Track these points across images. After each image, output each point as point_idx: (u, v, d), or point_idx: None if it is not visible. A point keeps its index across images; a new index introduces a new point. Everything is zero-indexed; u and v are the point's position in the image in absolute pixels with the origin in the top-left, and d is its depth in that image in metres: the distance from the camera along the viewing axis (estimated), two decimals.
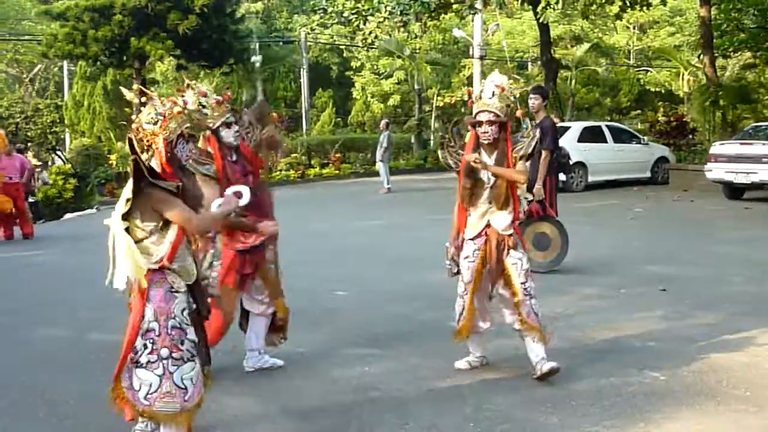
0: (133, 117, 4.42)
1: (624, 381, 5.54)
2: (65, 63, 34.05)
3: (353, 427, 4.83)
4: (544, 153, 9.09)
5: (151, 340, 4.04)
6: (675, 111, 35.28)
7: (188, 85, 4.73)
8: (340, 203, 20.05)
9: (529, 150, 5.87)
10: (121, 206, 4.09)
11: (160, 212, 4.09)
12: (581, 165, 20.64)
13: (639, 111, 39.56)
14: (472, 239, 5.81)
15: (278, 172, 29.26)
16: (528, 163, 6.38)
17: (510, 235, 5.68)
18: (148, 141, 4.23)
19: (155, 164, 4.18)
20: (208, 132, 5.52)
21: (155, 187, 4.04)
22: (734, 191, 17.87)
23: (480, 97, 5.64)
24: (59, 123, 33.85)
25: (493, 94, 5.54)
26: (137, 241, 4.05)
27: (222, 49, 29.05)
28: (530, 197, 6.83)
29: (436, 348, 6.48)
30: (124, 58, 28.39)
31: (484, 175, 5.61)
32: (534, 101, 9.59)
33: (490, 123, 5.53)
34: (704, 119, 25.44)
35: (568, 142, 20.71)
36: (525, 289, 5.63)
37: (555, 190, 9.86)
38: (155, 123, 4.22)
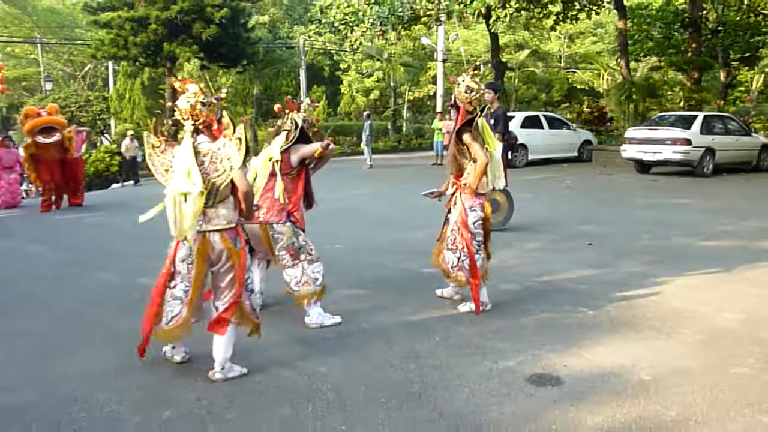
0: (168, 103, 4.39)
1: (561, 315, 5.60)
2: (110, 63, 33.67)
3: (348, 350, 4.86)
4: (497, 135, 9.09)
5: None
6: (597, 104, 35.52)
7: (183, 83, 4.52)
8: (332, 177, 20.00)
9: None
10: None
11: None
12: (523, 146, 20.73)
13: (568, 104, 39.67)
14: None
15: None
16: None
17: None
18: (204, 117, 4.25)
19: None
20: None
21: None
22: (644, 167, 18.05)
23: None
24: (106, 112, 33.56)
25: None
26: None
27: (237, 52, 28.99)
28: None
29: (411, 290, 6.50)
30: (158, 59, 28.28)
31: None
32: (488, 95, 9.61)
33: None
34: (620, 110, 25.69)
35: (512, 128, 20.72)
36: None
37: (506, 166, 9.90)
38: (208, 105, 4.24)
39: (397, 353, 4.77)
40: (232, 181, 4.26)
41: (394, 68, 37.90)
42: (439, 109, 28.38)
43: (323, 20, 26.07)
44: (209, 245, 4.30)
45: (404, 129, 36.21)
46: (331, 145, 5.63)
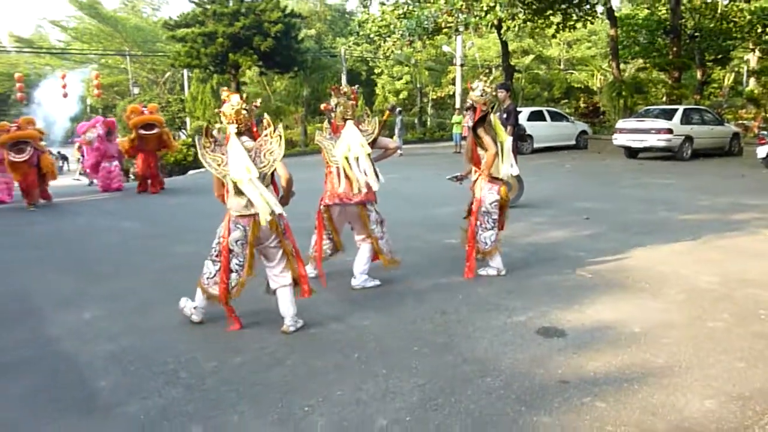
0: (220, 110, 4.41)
1: (563, 278, 5.54)
2: (185, 71, 33.87)
3: (386, 307, 4.86)
4: (509, 128, 9.01)
5: None
6: (591, 100, 35.00)
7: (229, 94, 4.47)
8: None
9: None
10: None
11: None
12: (529, 136, 20.58)
13: (567, 100, 39.02)
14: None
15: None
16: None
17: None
18: (246, 121, 4.36)
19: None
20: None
21: None
22: (632, 153, 17.80)
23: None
24: (182, 111, 33.85)
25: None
26: None
27: (289, 61, 28.95)
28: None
29: (438, 257, 6.49)
30: (224, 67, 28.34)
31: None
32: (501, 93, 9.56)
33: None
34: (611, 105, 25.22)
35: (521, 121, 20.57)
36: None
37: (516, 153, 9.82)
38: (249, 112, 4.38)
39: (427, 310, 4.76)
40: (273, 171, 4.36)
41: (420, 72, 37.72)
42: (457, 105, 28.17)
43: (360, 32, 25.93)
44: (258, 226, 4.31)
45: (428, 123, 36.01)
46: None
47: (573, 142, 22.20)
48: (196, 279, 4.62)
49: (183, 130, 34.56)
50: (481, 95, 5.72)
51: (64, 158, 29.77)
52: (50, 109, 31.07)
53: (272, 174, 4.40)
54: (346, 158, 5.32)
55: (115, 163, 15.48)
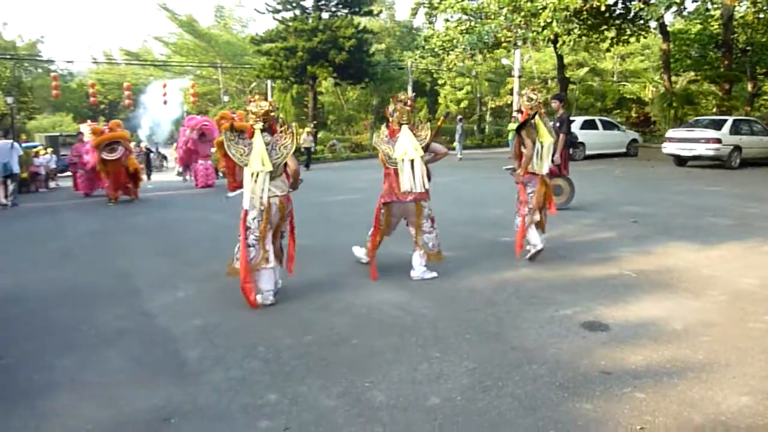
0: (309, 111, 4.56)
1: (610, 276, 5.40)
2: (269, 81, 34.56)
3: (442, 297, 4.86)
4: (561, 135, 8.92)
5: None
6: (643, 110, 33.76)
7: (255, 98, 5.03)
8: (431, 167, 19.94)
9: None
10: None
11: None
12: (581, 144, 20.08)
13: (619, 110, 37.75)
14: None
15: None
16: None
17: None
18: (270, 120, 4.94)
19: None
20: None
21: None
22: (681, 161, 17.05)
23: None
24: None
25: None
26: None
27: (361, 72, 29.19)
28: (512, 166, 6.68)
29: (491, 253, 6.44)
30: (303, 78, 28.82)
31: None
32: (554, 103, 9.62)
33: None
34: (662, 115, 24.17)
35: (573, 129, 20.05)
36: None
37: (568, 159, 9.65)
38: (273, 113, 4.98)
39: (479, 301, 4.74)
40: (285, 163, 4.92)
41: (480, 83, 37.35)
42: (514, 114, 27.76)
43: (426, 47, 25.91)
44: (271, 207, 4.78)
45: (487, 130, 35.57)
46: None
47: (623, 150, 21.50)
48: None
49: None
50: (528, 101, 6.06)
51: (164, 157, 30.92)
52: (153, 114, 32.41)
53: (284, 164, 4.91)
54: (404, 159, 5.43)
55: (209, 162, 16.07)
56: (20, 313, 4.89)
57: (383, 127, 5.89)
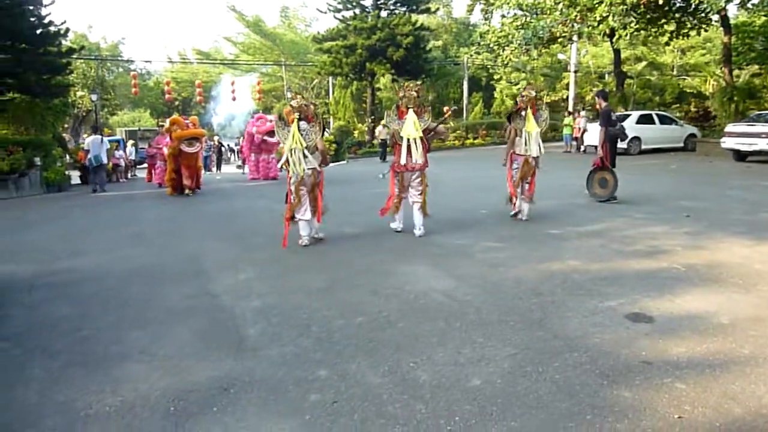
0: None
1: (658, 269, 5.24)
2: (330, 78, 34.94)
3: (488, 285, 4.85)
4: (601, 129, 9.23)
5: None
6: (703, 104, 32.21)
7: (296, 95, 6.65)
8: (483, 161, 19.69)
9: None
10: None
11: None
12: (637, 138, 19.41)
13: (678, 105, 36.22)
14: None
15: (450, 141, 29.27)
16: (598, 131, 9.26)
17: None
18: (306, 112, 6.46)
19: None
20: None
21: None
22: (740, 156, 16.22)
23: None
24: (327, 113, 35.03)
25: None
26: None
27: (418, 68, 29.16)
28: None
29: (539, 244, 6.35)
30: (362, 75, 29.07)
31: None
32: (596, 98, 10.00)
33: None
34: (722, 110, 23.01)
35: (629, 123, 19.48)
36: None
37: (610, 152, 9.43)
38: (308, 106, 6.59)
39: (525, 290, 4.71)
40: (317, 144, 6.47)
41: (536, 78, 36.62)
42: (570, 109, 27.06)
43: (482, 43, 25.55)
44: (305, 177, 6.42)
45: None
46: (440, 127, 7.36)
47: (681, 145, 20.67)
48: (329, 250, 4.88)
49: (327, 130, 35.79)
50: (521, 97, 7.58)
51: (232, 151, 31.77)
52: (223, 110, 33.34)
53: (317, 145, 6.46)
54: (409, 137, 6.59)
55: (273, 155, 16.49)
56: (99, 289, 5.20)
57: (394, 108, 7.03)
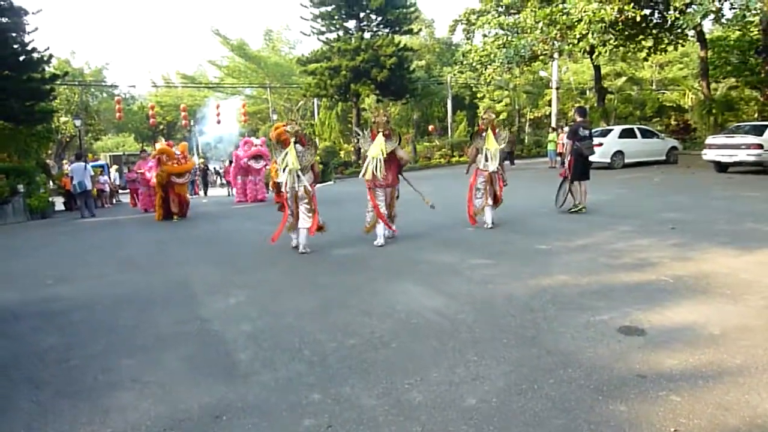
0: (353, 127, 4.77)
1: (647, 281, 5.28)
2: (315, 99, 35.09)
3: (479, 303, 4.84)
4: (567, 142, 9.99)
5: None
6: (682, 117, 32.73)
7: (290, 121, 7.64)
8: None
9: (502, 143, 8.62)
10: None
11: None
12: (620, 152, 19.66)
13: (658, 118, 36.72)
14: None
15: (436, 159, 29.46)
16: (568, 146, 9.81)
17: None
18: (300, 136, 7.50)
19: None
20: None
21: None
22: (722, 167, 16.43)
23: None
24: (313, 134, 35.10)
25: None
26: None
27: (402, 89, 29.31)
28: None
29: (528, 260, 6.36)
30: (347, 96, 29.13)
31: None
32: (577, 115, 10.28)
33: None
34: (702, 122, 23.44)
35: (611, 138, 19.77)
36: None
37: (581, 165, 9.67)
38: (302, 131, 7.74)
39: (516, 306, 4.71)
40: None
41: (518, 95, 37.09)
42: (553, 125, 27.38)
43: (464, 62, 25.78)
44: (299, 191, 7.34)
45: (526, 141, 35.14)
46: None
47: (663, 158, 20.90)
48: (320, 272, 4.84)
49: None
50: (482, 120, 8.66)
51: (218, 173, 31.68)
52: (208, 133, 33.33)
53: (312, 166, 7.52)
54: (374, 157, 7.41)
55: (259, 177, 16.54)
56: (87, 317, 5.12)
57: (367, 131, 7.88)
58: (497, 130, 8.66)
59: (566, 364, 3.52)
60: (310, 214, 7.36)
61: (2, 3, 17.04)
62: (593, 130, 20.13)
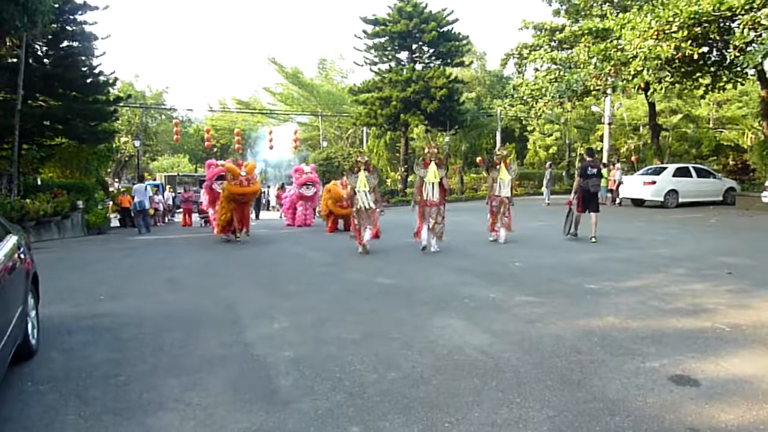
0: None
1: (701, 329, 5.05)
2: (365, 128, 35.56)
3: (525, 343, 4.74)
4: (577, 179, 11.19)
5: None
6: (741, 158, 31.59)
7: (359, 152, 8.14)
8: (518, 211, 19.63)
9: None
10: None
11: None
12: (674, 191, 19.15)
13: (715, 157, 35.63)
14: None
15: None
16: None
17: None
18: (366, 164, 10.28)
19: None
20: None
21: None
22: None
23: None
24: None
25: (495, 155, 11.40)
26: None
27: (451, 120, 29.49)
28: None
29: (578, 300, 6.20)
30: (396, 125, 29.47)
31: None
32: (587, 155, 11.66)
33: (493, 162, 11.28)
34: (762, 163, 22.48)
35: (665, 176, 19.30)
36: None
37: (590, 199, 10.98)
38: (369, 160, 10.38)
39: (563, 348, 4.58)
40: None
41: (569, 130, 36.70)
42: (605, 161, 26.87)
43: (515, 95, 25.82)
44: (364, 208, 9.88)
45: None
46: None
47: (720, 198, 20.23)
48: (362, 301, 4.83)
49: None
50: (495, 156, 11.24)
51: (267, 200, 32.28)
52: (261, 157, 34.17)
53: (374, 188, 10.05)
54: (430, 181, 9.78)
55: (309, 203, 16.92)
56: (137, 334, 5.26)
57: (420, 159, 10.25)
58: (510, 164, 11.06)
59: (614, 411, 3.39)
60: (372, 224, 9.99)
61: (74, 28, 18.11)
62: (647, 168, 19.68)
